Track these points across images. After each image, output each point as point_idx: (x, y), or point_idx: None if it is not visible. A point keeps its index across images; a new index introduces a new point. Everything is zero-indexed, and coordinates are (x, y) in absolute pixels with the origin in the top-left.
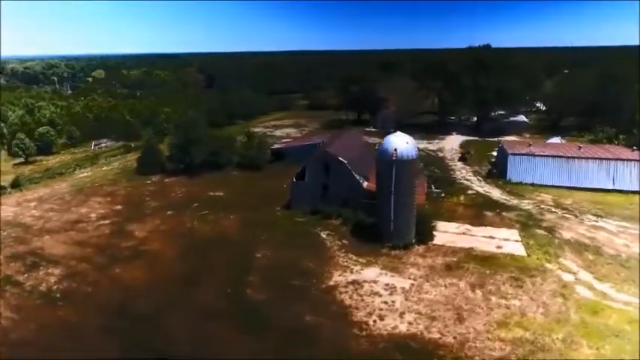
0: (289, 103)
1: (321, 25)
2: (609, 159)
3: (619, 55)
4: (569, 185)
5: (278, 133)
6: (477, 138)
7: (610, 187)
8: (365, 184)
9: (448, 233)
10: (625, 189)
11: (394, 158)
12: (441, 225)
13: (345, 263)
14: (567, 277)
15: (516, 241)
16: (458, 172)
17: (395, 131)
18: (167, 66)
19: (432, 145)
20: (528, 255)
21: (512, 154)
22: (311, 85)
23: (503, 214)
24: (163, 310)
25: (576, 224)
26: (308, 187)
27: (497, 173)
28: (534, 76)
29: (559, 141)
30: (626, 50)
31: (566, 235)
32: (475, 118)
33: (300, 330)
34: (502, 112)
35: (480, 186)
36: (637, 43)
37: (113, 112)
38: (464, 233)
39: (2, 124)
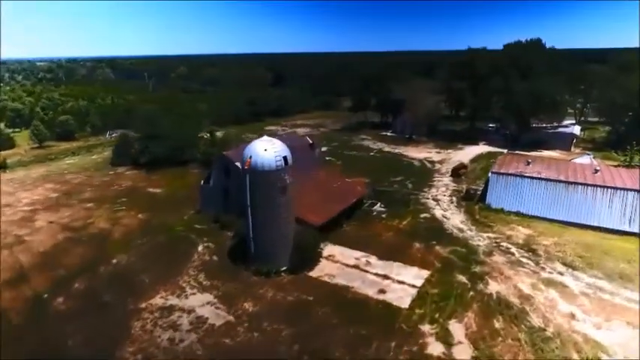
0: (333, 104)
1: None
2: (627, 189)
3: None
4: (567, 220)
5: (289, 132)
6: (504, 150)
7: (625, 228)
8: None
9: (338, 264)
10: None
11: (246, 168)
12: (341, 253)
13: (185, 284)
14: (434, 349)
15: (413, 286)
16: (433, 190)
17: (410, 137)
18: (245, 65)
19: (440, 155)
20: (409, 309)
21: (493, 172)
22: (348, 87)
23: (437, 248)
24: None
25: (525, 275)
26: (213, 191)
27: (478, 195)
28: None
29: (589, 160)
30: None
31: (494, 288)
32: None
33: (53, 349)
34: (555, 123)
35: (443, 209)
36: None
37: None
38: (358, 267)
39: (41, 112)
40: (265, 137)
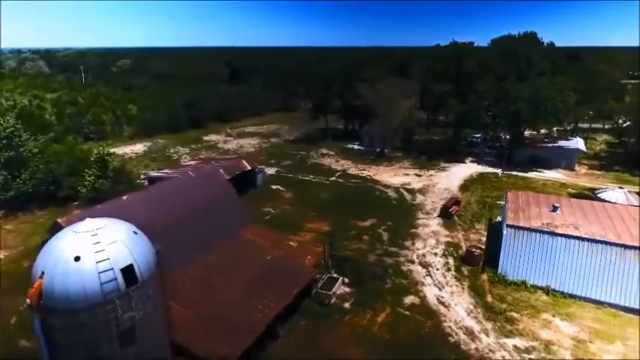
0: (295, 105)
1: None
2: None
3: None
4: (623, 304)
5: (231, 145)
6: (497, 171)
7: None
8: None
9: None
10: None
11: (29, 301)
12: None
13: None
14: None
15: None
16: (419, 244)
17: (382, 152)
18: (198, 59)
19: (420, 180)
20: None
21: (509, 225)
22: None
23: None
24: None
25: None
26: None
27: (485, 255)
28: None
29: (623, 196)
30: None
31: None
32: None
33: None
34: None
35: (437, 284)
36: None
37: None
38: None
39: None
40: (87, 222)
